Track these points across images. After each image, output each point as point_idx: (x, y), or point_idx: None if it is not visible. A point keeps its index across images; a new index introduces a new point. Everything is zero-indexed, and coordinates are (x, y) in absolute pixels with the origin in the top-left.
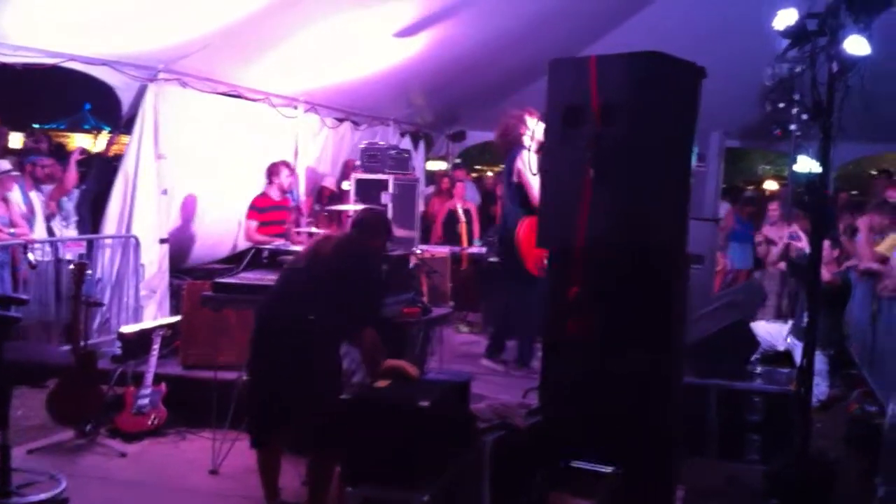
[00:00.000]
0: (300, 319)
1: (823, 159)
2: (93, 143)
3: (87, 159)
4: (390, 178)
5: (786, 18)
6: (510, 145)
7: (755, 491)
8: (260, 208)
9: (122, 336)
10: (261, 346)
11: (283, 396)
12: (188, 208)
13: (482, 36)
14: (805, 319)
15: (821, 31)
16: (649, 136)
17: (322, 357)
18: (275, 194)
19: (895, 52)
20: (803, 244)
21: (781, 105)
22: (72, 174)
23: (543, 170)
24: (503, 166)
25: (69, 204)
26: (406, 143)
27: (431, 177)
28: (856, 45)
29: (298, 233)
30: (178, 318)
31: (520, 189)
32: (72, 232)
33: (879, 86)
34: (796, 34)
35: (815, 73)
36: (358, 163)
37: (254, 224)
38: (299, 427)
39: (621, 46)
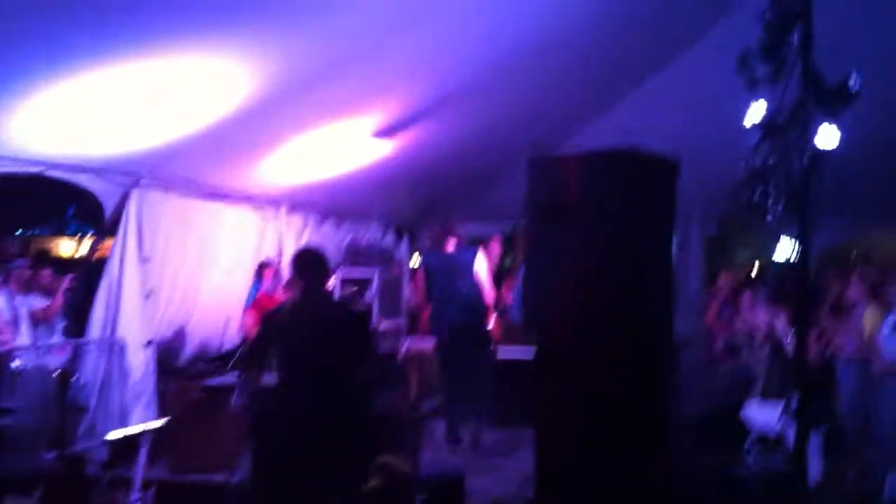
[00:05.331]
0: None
1: (801, 248)
2: (76, 247)
3: (72, 263)
4: (375, 274)
5: (756, 112)
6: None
7: None
8: (264, 307)
9: (108, 441)
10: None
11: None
12: (174, 309)
13: (460, 133)
14: (794, 401)
15: (791, 124)
16: (629, 229)
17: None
18: (279, 294)
19: (867, 138)
20: (781, 324)
21: (757, 196)
22: (58, 302)
23: (527, 264)
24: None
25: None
26: (390, 237)
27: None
28: (826, 136)
29: None
30: (164, 420)
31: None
32: (56, 339)
33: (853, 171)
34: (767, 128)
35: (788, 164)
36: (342, 259)
37: (252, 320)
38: None
39: (600, 138)
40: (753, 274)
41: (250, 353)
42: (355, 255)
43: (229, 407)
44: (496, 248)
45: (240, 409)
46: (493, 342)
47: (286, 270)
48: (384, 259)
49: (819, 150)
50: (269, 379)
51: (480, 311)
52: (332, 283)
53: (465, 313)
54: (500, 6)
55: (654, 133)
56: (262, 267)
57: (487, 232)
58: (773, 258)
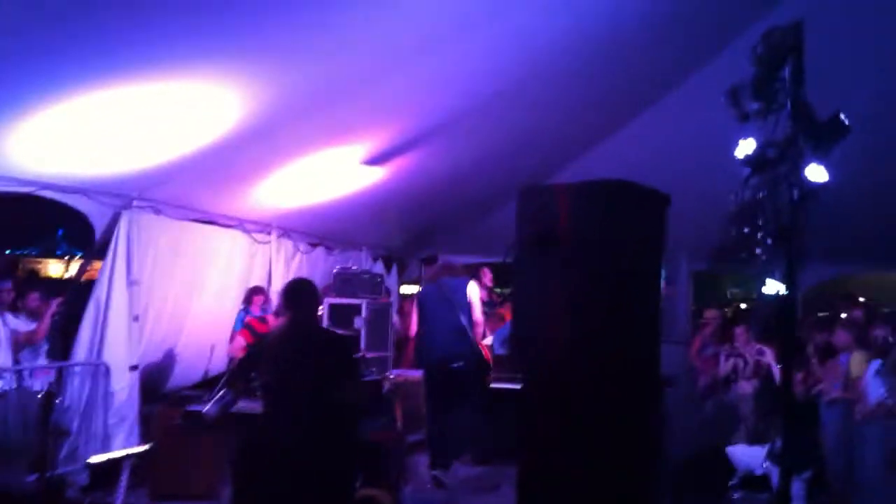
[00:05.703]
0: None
1: (790, 283)
2: (65, 269)
3: (60, 285)
4: (363, 303)
5: (746, 147)
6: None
7: None
8: (256, 331)
9: (89, 465)
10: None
11: None
12: (161, 334)
13: (451, 164)
14: (779, 443)
15: (781, 159)
16: (618, 261)
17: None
18: (271, 320)
19: (856, 176)
20: (768, 358)
21: (746, 230)
22: (44, 326)
23: (515, 294)
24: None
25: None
26: (379, 266)
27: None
28: (815, 172)
29: None
30: (147, 446)
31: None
32: (41, 361)
33: (841, 209)
34: (757, 162)
35: (778, 198)
36: (331, 286)
37: (243, 342)
38: None
39: (590, 171)
40: (742, 308)
41: (237, 372)
42: (344, 282)
43: (200, 416)
44: (487, 277)
45: (210, 419)
46: (488, 372)
47: (276, 297)
48: (373, 288)
49: (809, 184)
50: (250, 406)
51: (472, 341)
52: (321, 310)
53: (457, 342)
54: (493, 40)
55: (645, 167)
56: (252, 293)
57: (478, 263)
58: (762, 292)
